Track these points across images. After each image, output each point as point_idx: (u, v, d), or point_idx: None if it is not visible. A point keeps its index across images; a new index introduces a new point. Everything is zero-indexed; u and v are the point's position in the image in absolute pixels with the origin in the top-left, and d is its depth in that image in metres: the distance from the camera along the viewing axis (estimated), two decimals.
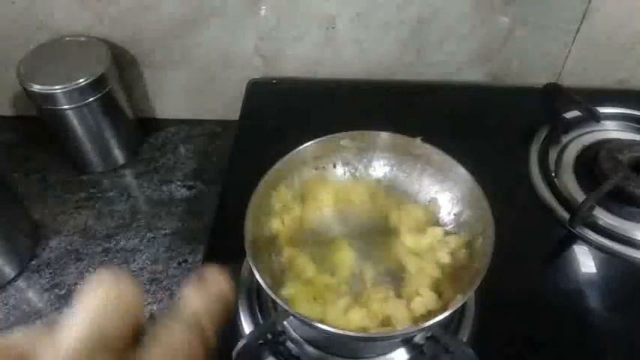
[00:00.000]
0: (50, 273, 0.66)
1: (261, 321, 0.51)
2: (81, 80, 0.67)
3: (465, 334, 0.50)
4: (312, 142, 0.52)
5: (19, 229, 0.67)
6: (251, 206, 0.46)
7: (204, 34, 0.75)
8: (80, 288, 0.21)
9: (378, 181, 0.55)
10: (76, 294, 0.21)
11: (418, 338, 0.49)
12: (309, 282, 0.47)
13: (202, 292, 0.25)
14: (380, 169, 0.55)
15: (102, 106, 0.71)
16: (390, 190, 0.55)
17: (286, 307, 0.41)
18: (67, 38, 0.74)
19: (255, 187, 0.48)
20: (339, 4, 0.71)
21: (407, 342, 0.49)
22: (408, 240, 0.50)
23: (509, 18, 0.72)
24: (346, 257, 0.50)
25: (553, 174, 0.65)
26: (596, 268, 0.57)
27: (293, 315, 0.40)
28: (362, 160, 0.55)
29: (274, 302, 0.47)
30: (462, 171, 0.49)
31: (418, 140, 0.52)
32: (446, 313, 0.39)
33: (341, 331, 0.40)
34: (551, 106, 0.72)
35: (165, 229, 0.70)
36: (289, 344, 0.49)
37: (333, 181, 0.55)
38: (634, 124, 0.72)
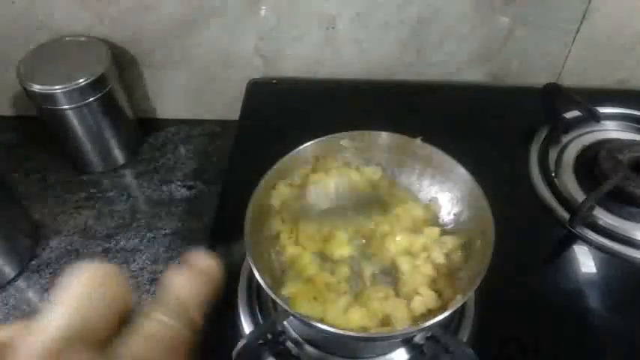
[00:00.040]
0: (50, 273, 0.66)
1: (261, 321, 0.51)
2: (81, 80, 0.67)
3: (465, 334, 0.50)
4: (312, 142, 0.52)
5: (19, 229, 0.67)
6: (251, 206, 0.46)
7: (204, 34, 0.75)
8: (61, 279, 0.21)
9: (380, 177, 0.55)
10: (57, 285, 0.21)
11: (418, 338, 0.49)
12: (310, 280, 0.48)
13: (187, 275, 0.24)
14: (380, 169, 0.55)
15: (102, 106, 0.71)
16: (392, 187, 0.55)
17: (286, 307, 0.41)
18: (67, 38, 0.74)
19: (255, 187, 0.48)
20: (339, 4, 0.72)
21: (407, 342, 0.49)
22: (402, 240, 0.50)
23: (509, 18, 0.72)
24: (345, 252, 0.50)
25: (553, 174, 0.65)
26: (596, 268, 0.57)
27: (293, 315, 0.40)
28: (362, 160, 0.55)
29: (274, 302, 0.47)
30: (462, 171, 0.49)
31: (418, 140, 0.52)
32: (446, 313, 0.39)
33: (341, 331, 0.40)
34: (551, 106, 0.72)
35: (165, 229, 0.70)
36: (289, 344, 0.50)
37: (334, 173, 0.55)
38: (634, 124, 0.72)
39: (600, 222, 0.60)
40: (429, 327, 0.41)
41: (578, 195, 0.62)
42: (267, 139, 0.69)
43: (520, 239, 0.58)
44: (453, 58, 0.78)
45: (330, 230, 0.51)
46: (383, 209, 0.52)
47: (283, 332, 0.49)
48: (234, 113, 0.76)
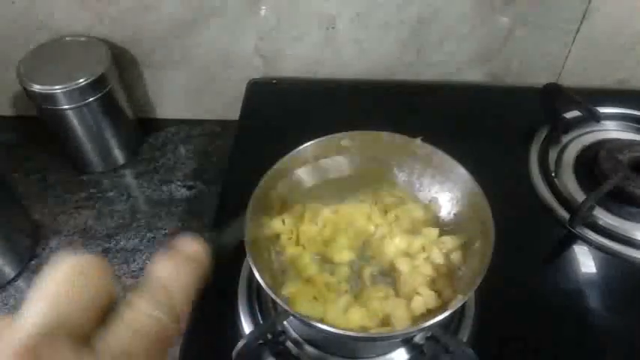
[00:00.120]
0: None
1: (261, 321, 0.51)
2: (81, 80, 0.67)
3: (465, 334, 0.50)
4: (312, 142, 0.52)
5: (19, 229, 0.67)
6: (251, 206, 0.46)
7: (204, 34, 0.75)
8: (41, 273, 0.20)
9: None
10: (37, 279, 0.20)
11: (418, 338, 0.49)
12: (311, 280, 0.48)
13: (173, 262, 0.23)
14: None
15: (102, 106, 0.71)
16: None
17: (286, 307, 0.41)
18: (67, 38, 0.74)
19: (255, 187, 0.48)
20: (339, 4, 0.71)
21: (407, 342, 0.49)
22: (400, 242, 0.50)
23: (509, 18, 0.72)
24: (345, 257, 0.50)
25: (553, 174, 0.65)
26: (596, 268, 0.57)
27: (293, 315, 0.40)
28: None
29: (274, 302, 0.47)
30: (462, 171, 0.49)
31: (418, 140, 0.52)
32: (446, 313, 0.39)
33: (341, 331, 0.40)
34: (551, 106, 0.72)
35: (165, 229, 0.70)
36: (289, 344, 0.50)
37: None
38: (634, 124, 0.72)
39: (600, 222, 0.60)
40: (429, 327, 0.41)
41: (578, 195, 0.62)
42: (267, 139, 0.69)
43: (520, 239, 0.58)
44: (453, 58, 0.78)
45: (331, 234, 0.51)
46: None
47: (283, 332, 0.49)
48: (234, 113, 0.76)
